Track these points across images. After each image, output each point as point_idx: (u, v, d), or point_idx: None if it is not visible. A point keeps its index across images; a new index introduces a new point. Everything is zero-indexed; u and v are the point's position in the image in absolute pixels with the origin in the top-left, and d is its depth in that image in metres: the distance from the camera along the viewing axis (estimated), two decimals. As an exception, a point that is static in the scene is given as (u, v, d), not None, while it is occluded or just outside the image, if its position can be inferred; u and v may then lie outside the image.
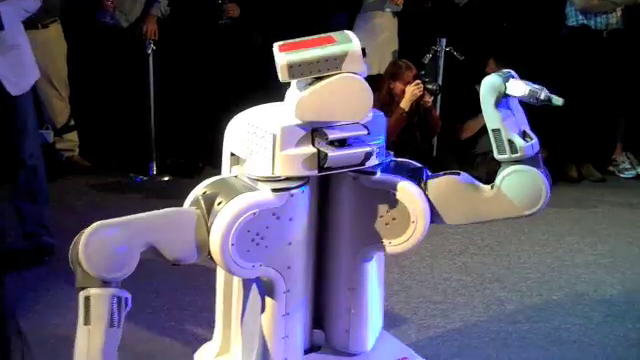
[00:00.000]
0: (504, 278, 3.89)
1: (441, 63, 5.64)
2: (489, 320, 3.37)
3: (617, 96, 5.93)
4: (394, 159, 2.27)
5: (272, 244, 2.00)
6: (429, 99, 5.10)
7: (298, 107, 1.98)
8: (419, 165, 2.27)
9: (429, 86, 5.02)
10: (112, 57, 5.34)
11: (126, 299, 1.94)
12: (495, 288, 3.75)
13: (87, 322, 1.86)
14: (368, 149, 2.09)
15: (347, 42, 2.00)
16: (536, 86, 2.18)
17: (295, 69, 1.97)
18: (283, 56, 1.96)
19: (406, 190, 2.11)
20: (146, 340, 3.06)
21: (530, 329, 3.31)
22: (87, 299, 1.87)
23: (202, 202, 2.02)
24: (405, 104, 4.93)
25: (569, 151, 5.97)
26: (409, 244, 2.14)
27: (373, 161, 2.14)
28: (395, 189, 2.11)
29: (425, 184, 2.18)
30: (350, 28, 5.26)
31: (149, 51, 5.33)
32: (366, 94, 2.00)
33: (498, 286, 3.78)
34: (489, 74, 5.70)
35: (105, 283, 1.89)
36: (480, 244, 4.31)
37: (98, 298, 1.87)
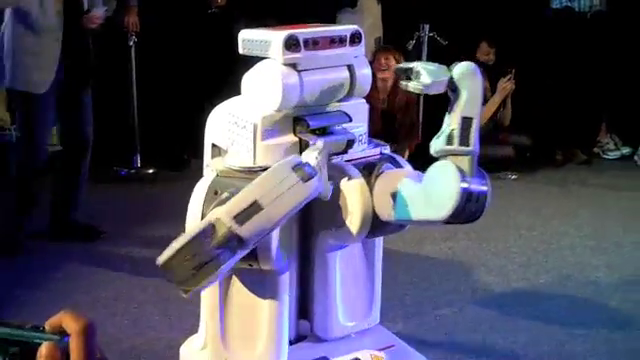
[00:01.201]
0: (490, 263, 3.90)
1: (425, 49, 5.62)
2: (476, 305, 3.38)
3: (601, 77, 5.95)
4: (387, 153, 2.24)
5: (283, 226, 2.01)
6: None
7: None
8: (387, 156, 2.21)
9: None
10: (93, 50, 5.29)
11: None
12: (482, 273, 3.76)
13: None
14: (350, 137, 2.08)
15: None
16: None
17: (245, 44, 2.08)
18: (246, 31, 2.09)
19: (348, 181, 2.05)
20: (132, 335, 3.05)
21: (517, 313, 3.32)
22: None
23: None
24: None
25: (554, 134, 5.99)
26: (349, 236, 2.06)
27: (356, 149, 2.13)
28: (341, 178, 2.06)
29: (377, 177, 2.05)
30: (335, 16, 5.32)
31: (131, 43, 5.29)
32: (276, 83, 1.97)
33: (484, 271, 3.79)
34: (479, 57, 5.68)
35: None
36: (466, 229, 4.30)
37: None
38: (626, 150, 6.25)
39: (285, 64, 1.98)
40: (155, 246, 3.90)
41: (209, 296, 2.15)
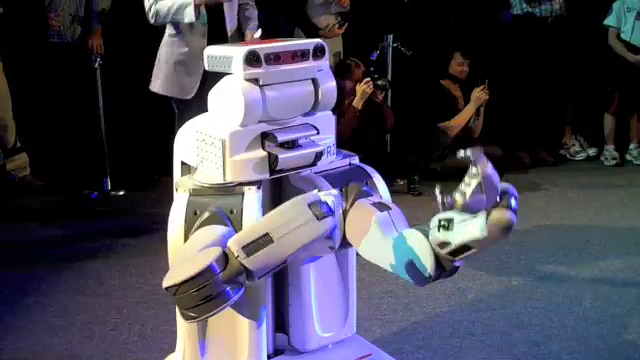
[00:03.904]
0: (463, 267, 3.89)
1: (389, 59, 5.68)
2: (451, 310, 3.40)
3: (564, 81, 6.06)
4: (355, 163, 2.26)
5: None
6: (380, 95, 5.14)
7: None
8: (355, 166, 2.23)
9: (378, 82, 5.05)
10: (58, 74, 5.27)
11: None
12: (455, 278, 3.72)
13: None
14: (319, 149, 2.10)
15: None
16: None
17: (209, 60, 2.11)
18: (210, 47, 2.11)
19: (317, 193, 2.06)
20: (110, 358, 3.02)
21: (492, 316, 3.35)
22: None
23: (217, 215, 1.98)
24: (357, 103, 4.96)
25: (521, 138, 6.08)
26: (319, 247, 2.04)
27: (324, 160, 2.15)
28: (310, 190, 2.05)
29: (352, 204, 2.02)
30: (293, 30, 5.34)
31: (96, 65, 5.28)
32: (238, 98, 1.99)
33: (458, 276, 3.75)
34: (453, 68, 5.61)
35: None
36: (439, 236, 4.35)
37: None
38: (592, 151, 6.36)
39: (247, 79, 2.00)
40: (128, 268, 3.92)
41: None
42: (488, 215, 1.69)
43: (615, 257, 4.05)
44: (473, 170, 1.69)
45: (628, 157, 6.24)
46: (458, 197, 1.69)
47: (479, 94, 5.52)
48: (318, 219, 1.80)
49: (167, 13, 3.93)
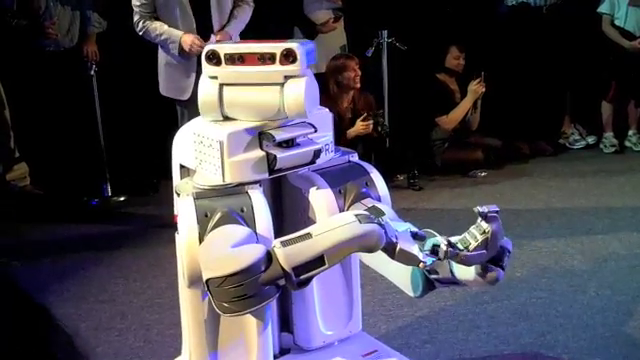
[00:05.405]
0: (467, 260, 3.92)
1: (384, 55, 5.67)
2: (456, 304, 3.40)
3: (562, 70, 6.05)
4: (353, 160, 2.26)
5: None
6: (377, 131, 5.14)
7: None
8: (354, 163, 2.24)
9: (379, 127, 5.08)
10: (55, 82, 5.26)
11: None
12: (459, 271, 3.78)
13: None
14: (317, 147, 2.09)
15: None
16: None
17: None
18: (208, 46, 2.14)
19: (316, 195, 2.07)
20: (116, 363, 3.02)
21: (497, 308, 3.34)
22: None
23: (229, 214, 1.98)
24: (351, 135, 4.96)
25: (519, 128, 6.08)
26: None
27: (323, 158, 2.14)
28: (308, 191, 2.08)
29: (352, 203, 2.10)
30: (292, 30, 5.33)
31: (92, 72, 5.27)
32: (208, 95, 2.03)
33: (462, 269, 3.81)
34: (449, 62, 5.64)
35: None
36: (440, 228, 4.34)
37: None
38: (591, 139, 6.36)
39: (209, 77, 2.05)
40: (131, 273, 3.91)
41: (192, 315, 2.14)
42: (483, 269, 1.90)
43: (618, 245, 4.04)
44: (484, 226, 1.85)
45: (627, 144, 6.24)
46: (460, 247, 1.86)
47: (476, 87, 5.52)
48: (359, 222, 1.81)
49: (154, 37, 4.18)
